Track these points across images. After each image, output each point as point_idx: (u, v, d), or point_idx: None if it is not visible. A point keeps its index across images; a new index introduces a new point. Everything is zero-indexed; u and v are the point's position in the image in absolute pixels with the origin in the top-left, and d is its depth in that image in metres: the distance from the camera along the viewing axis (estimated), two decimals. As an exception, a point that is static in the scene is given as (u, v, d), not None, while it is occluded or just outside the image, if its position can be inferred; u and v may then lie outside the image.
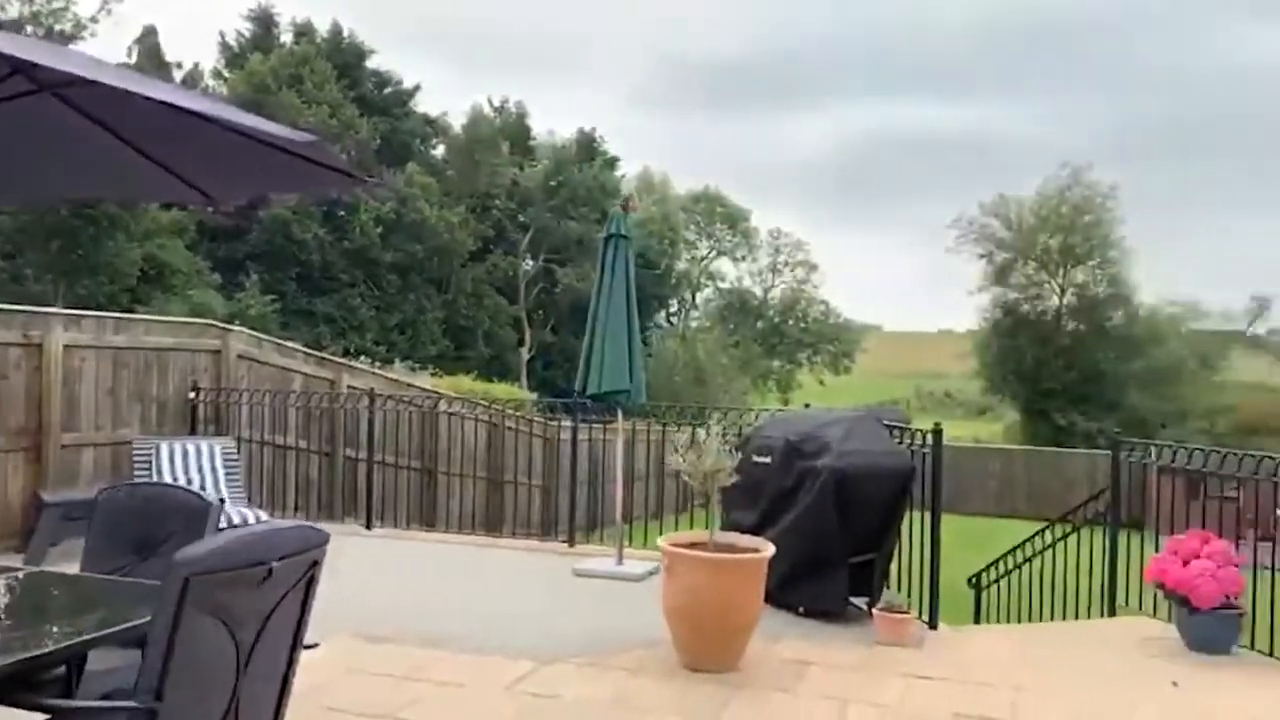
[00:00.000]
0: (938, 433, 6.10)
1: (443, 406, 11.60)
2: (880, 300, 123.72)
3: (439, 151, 39.56)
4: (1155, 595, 6.23)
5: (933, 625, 6.08)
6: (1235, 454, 6.19)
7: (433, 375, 21.71)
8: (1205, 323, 40.40)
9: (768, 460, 6.47)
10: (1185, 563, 5.83)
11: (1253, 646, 5.78)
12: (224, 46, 36.48)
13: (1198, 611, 5.73)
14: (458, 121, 39.43)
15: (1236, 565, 5.80)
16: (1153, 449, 7.06)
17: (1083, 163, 37.32)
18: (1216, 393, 35.47)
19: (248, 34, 36.17)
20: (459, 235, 34.25)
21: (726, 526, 6.64)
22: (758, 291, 50.29)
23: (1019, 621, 8.85)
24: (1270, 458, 6.01)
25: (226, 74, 34.92)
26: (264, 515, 7.81)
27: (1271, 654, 5.68)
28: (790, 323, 49.66)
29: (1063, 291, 37.10)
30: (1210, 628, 5.77)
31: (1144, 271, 43.09)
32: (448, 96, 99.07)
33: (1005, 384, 38.31)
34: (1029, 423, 36.44)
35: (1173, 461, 6.56)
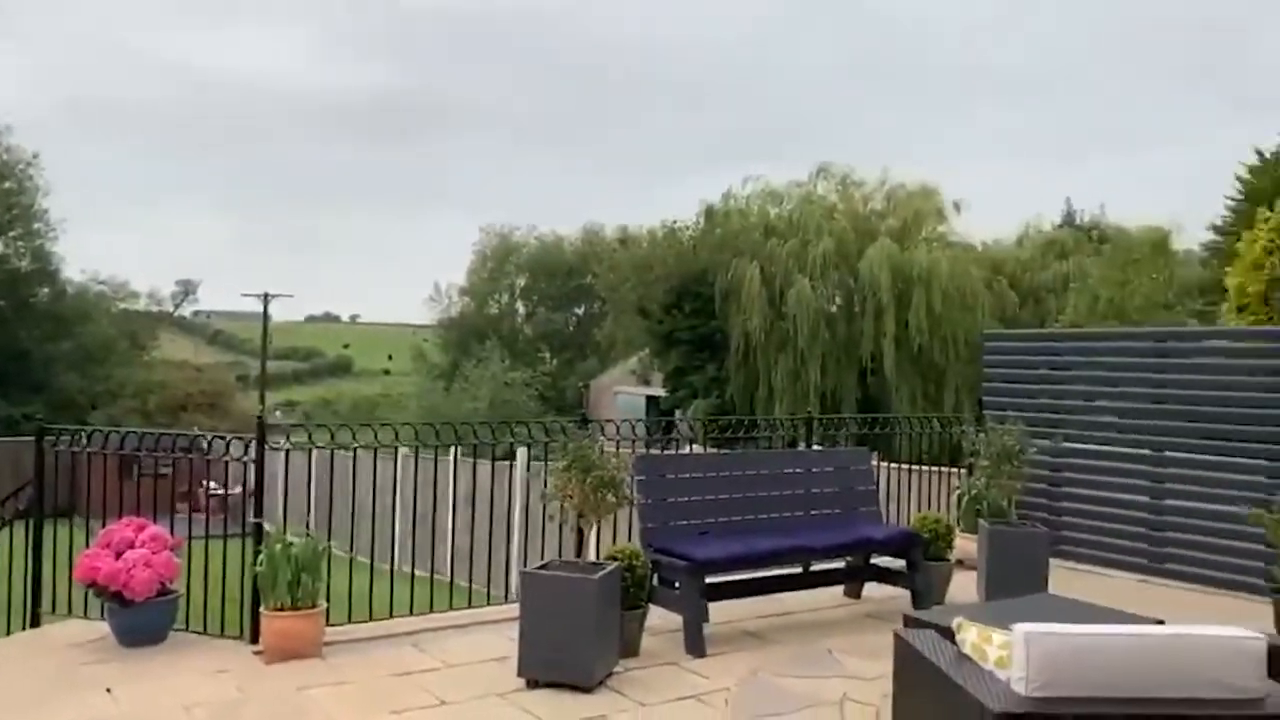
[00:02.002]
0: None
1: None
2: None
3: None
4: (88, 594, 5.69)
5: None
6: (154, 433, 6.42)
7: None
8: (135, 304, 41.03)
9: None
10: (119, 554, 5.44)
11: (187, 626, 5.71)
12: None
13: (133, 604, 5.40)
14: None
15: (172, 549, 5.65)
16: (83, 434, 6.49)
17: (2, 125, 33.72)
18: (148, 371, 36.31)
19: None
20: None
21: None
22: None
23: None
24: (188, 434, 6.20)
25: None
26: None
27: (204, 630, 5.69)
28: None
29: (-19, 263, 33.30)
30: (146, 618, 5.50)
31: (72, 248, 41.46)
32: None
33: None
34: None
35: (104, 446, 6.11)
